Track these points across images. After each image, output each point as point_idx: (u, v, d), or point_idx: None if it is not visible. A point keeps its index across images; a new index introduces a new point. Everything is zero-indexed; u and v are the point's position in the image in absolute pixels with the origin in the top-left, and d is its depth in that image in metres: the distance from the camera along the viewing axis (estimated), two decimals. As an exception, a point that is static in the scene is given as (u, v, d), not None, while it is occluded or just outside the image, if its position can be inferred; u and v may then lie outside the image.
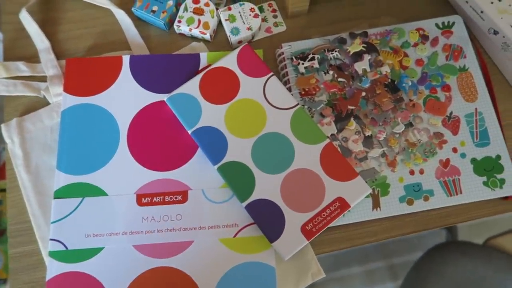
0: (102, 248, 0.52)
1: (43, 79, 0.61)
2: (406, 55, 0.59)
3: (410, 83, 0.58)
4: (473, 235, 1.37)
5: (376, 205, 0.53)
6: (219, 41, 0.63)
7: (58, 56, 0.62)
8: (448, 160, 0.55)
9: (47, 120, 0.58)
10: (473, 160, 0.55)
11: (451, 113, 0.57)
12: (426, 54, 0.59)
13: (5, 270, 0.85)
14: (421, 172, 0.54)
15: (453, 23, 0.60)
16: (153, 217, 0.53)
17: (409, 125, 0.56)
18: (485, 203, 0.55)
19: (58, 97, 0.59)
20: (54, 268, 0.51)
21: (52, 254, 0.51)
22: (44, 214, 0.54)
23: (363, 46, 0.59)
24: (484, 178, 0.54)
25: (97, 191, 0.54)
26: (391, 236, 0.54)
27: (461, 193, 0.54)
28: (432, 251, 0.92)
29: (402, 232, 0.54)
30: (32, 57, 0.62)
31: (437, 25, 0.60)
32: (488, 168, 0.54)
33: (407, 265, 1.41)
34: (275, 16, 0.64)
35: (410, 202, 0.53)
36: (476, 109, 0.57)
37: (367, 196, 0.53)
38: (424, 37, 0.60)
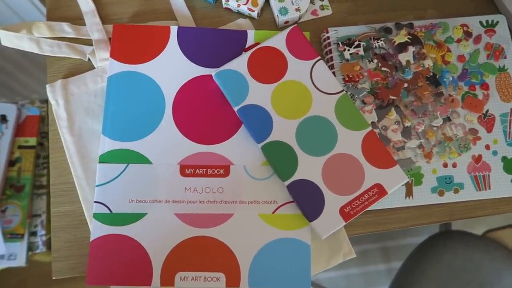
0: (145, 214, 0.53)
1: (87, 42, 0.60)
2: (449, 50, 0.60)
3: (450, 79, 0.59)
4: (467, 227, 1.42)
5: (409, 193, 0.56)
6: (264, 19, 0.63)
7: (102, 20, 0.61)
8: (480, 156, 0.57)
9: (91, 84, 0.58)
10: (504, 158, 0.57)
11: (487, 111, 0.58)
12: (468, 51, 0.60)
13: (22, 225, 0.86)
14: (454, 165, 0.57)
15: (497, 22, 0.61)
16: (195, 188, 0.54)
17: (447, 119, 0.58)
18: (510, 200, 0.58)
19: (104, 62, 0.59)
20: (98, 230, 0.53)
21: (97, 216, 0.53)
22: (86, 176, 0.55)
23: (408, 38, 0.60)
24: (513, 176, 0.57)
25: (141, 159, 0.55)
26: (418, 224, 0.57)
27: (489, 188, 0.56)
28: (435, 238, 0.97)
29: (429, 221, 0.57)
30: (76, 19, 0.62)
31: (481, 22, 0.61)
32: (517, 167, 0.57)
33: (399, 248, 1.47)
34: (322, -1, 0.64)
35: (441, 193, 0.56)
36: (511, 109, 0.59)
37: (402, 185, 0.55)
38: (467, 34, 0.61)
